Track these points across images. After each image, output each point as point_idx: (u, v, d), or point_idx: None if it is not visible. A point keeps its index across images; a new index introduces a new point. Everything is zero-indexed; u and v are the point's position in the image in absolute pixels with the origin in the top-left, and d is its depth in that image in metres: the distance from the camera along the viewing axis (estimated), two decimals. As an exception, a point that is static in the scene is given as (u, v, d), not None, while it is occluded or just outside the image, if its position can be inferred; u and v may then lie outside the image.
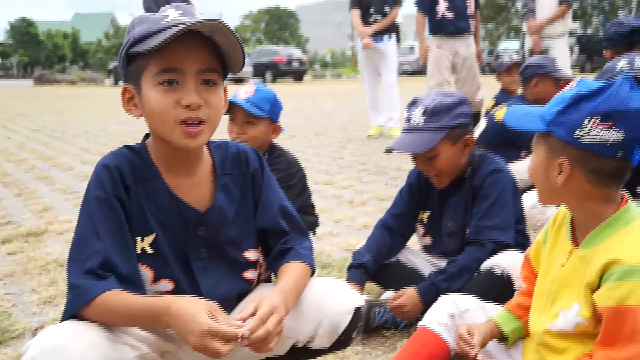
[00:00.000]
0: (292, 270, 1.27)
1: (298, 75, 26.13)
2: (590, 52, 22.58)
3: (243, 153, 1.33)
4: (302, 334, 1.26)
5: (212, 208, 1.25)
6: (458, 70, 5.30)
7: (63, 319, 1.13)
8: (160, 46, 1.07)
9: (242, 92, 2.24)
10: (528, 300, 1.46)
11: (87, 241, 1.14)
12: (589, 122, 1.15)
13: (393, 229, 2.09)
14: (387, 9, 6.23)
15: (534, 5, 5.43)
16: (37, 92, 20.81)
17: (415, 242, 2.21)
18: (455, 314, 1.56)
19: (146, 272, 1.20)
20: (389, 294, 2.04)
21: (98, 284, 1.10)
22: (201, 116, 1.14)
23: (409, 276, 1.97)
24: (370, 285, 2.24)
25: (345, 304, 1.27)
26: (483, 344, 1.43)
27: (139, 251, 1.20)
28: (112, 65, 27.96)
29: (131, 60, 1.15)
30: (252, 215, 1.32)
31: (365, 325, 1.85)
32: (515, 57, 4.63)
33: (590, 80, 1.21)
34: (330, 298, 1.27)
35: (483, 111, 5.29)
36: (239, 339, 1.06)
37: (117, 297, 1.10)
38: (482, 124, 3.87)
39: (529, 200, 2.47)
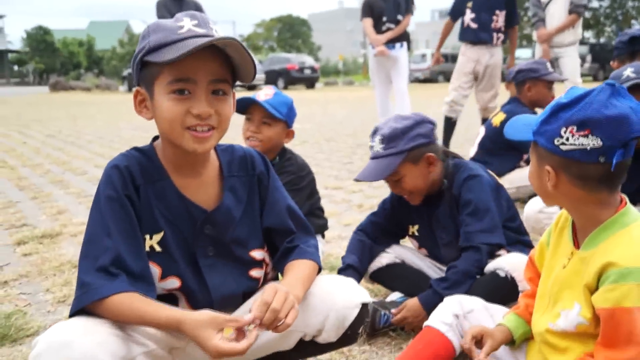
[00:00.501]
0: (297, 267, 1.31)
1: (310, 83, 26.21)
2: (602, 61, 22.46)
3: (249, 156, 1.37)
4: (310, 327, 1.28)
5: (220, 207, 1.29)
6: (480, 77, 5.38)
7: (71, 314, 1.16)
8: (177, 60, 1.10)
9: (261, 94, 2.31)
10: (534, 302, 1.48)
11: (98, 239, 1.17)
12: (566, 130, 1.19)
13: (369, 234, 2.15)
14: (399, 17, 6.27)
15: (544, 15, 5.43)
16: (52, 98, 21.07)
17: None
18: (460, 314, 1.59)
19: (154, 269, 1.24)
20: (394, 296, 2.07)
21: (110, 284, 1.13)
22: (211, 124, 1.19)
23: (415, 277, 1.99)
24: (376, 287, 2.27)
25: (352, 298, 1.30)
26: (493, 351, 1.44)
27: (147, 249, 1.23)
28: (126, 72, 28.25)
29: (145, 66, 1.19)
30: (258, 216, 1.36)
31: (371, 327, 1.87)
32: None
33: (579, 89, 1.24)
34: (337, 293, 1.30)
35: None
36: (255, 330, 1.09)
37: (129, 303, 1.13)
38: (481, 132, 3.89)
39: (536, 204, 2.48)
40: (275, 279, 1.44)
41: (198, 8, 5.29)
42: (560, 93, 1.37)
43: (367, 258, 2.11)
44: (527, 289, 1.57)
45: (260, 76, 23.09)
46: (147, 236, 1.23)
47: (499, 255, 1.89)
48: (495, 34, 5.26)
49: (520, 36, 29.48)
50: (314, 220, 2.51)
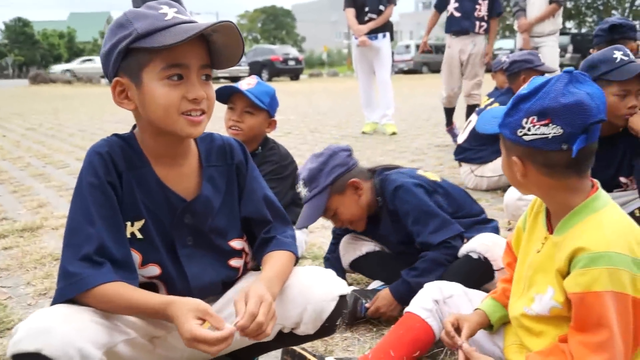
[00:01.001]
0: (275, 258, 1.32)
1: (294, 74, 26.11)
2: (584, 51, 22.59)
3: (228, 145, 1.37)
4: (288, 319, 1.29)
5: (199, 197, 1.29)
6: (464, 65, 5.52)
7: (53, 304, 1.15)
8: (179, 43, 1.11)
9: (244, 84, 2.31)
10: (511, 286, 1.50)
11: (81, 227, 1.17)
12: (527, 121, 1.22)
13: (334, 263, 2.21)
14: (381, 7, 6.27)
15: (524, 4, 5.49)
16: (32, 91, 20.76)
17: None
18: (439, 299, 1.61)
19: (134, 256, 1.23)
20: (376, 284, 2.08)
21: (97, 273, 1.13)
22: (203, 107, 1.20)
23: (394, 265, 2.01)
24: (359, 276, 2.29)
25: (330, 291, 1.31)
26: (471, 334, 1.46)
27: (128, 235, 1.23)
28: (107, 64, 27.84)
29: (129, 54, 1.17)
30: (237, 206, 1.36)
31: (352, 316, 1.89)
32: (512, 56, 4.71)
33: (539, 79, 1.26)
34: (315, 285, 1.31)
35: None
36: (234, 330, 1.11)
37: (117, 291, 1.14)
38: (473, 120, 3.92)
39: (515, 192, 2.51)
40: (256, 269, 1.45)
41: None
42: None
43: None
44: (502, 267, 1.60)
45: (244, 68, 22.94)
46: (129, 223, 1.23)
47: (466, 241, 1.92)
48: (477, 22, 5.36)
49: (503, 27, 29.62)
50: (297, 210, 2.51)
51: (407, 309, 1.63)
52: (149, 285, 1.26)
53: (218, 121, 2.83)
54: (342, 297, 1.32)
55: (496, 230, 2.03)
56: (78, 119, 9.85)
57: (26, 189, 4.22)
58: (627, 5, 33.36)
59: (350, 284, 2.22)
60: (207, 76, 1.22)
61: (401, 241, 2.03)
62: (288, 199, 2.43)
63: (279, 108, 2.45)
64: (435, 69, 30.07)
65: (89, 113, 10.97)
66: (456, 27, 5.42)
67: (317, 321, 1.29)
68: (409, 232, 1.97)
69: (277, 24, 60.63)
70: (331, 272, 1.37)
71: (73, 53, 51.63)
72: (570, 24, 33.74)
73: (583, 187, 1.28)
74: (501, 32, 29.99)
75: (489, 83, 5.07)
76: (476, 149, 3.81)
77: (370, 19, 6.27)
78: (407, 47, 30.93)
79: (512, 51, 5.37)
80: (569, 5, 32.65)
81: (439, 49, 32.93)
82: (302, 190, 2.01)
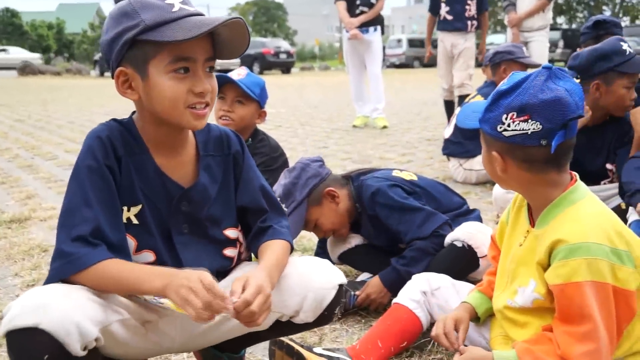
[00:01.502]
0: (273, 247, 1.32)
1: (286, 67, 26.04)
2: (574, 46, 22.69)
3: (225, 135, 1.37)
4: (288, 308, 1.30)
5: (196, 185, 1.29)
6: (456, 58, 5.65)
7: (47, 284, 1.14)
8: (192, 39, 1.11)
9: (234, 74, 2.30)
10: (494, 279, 1.52)
11: (77, 208, 1.16)
12: (507, 117, 1.23)
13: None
14: (373, 0, 6.27)
15: (515, -1, 5.52)
16: (21, 82, 20.55)
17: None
18: (427, 291, 1.62)
19: (130, 242, 1.23)
20: (364, 276, 2.10)
21: (93, 252, 1.13)
22: (208, 101, 1.21)
23: (383, 257, 2.02)
24: (347, 268, 2.30)
25: (329, 279, 1.31)
26: (467, 331, 1.47)
27: (124, 220, 1.22)
28: (97, 56, 27.66)
29: (135, 45, 1.16)
30: (233, 195, 1.36)
31: (341, 307, 1.90)
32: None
33: (519, 75, 1.27)
34: (315, 274, 1.32)
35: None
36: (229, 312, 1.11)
37: (116, 268, 1.13)
38: (458, 113, 3.94)
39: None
40: (249, 259, 1.45)
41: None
42: None
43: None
44: (486, 254, 1.62)
45: (235, 60, 22.80)
46: (125, 208, 1.23)
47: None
48: (469, 22, 5.58)
49: (494, 22, 29.68)
50: (286, 203, 2.52)
51: (395, 300, 1.65)
52: None
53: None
54: (341, 286, 1.33)
55: (479, 219, 2.05)
56: (67, 110, 9.77)
57: (14, 181, 4.19)
58: (618, 1, 33.52)
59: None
60: (211, 68, 1.23)
61: (383, 244, 2.05)
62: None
63: (270, 101, 2.45)
64: (426, 63, 30.19)
65: (77, 105, 10.89)
66: (449, 27, 5.64)
67: (317, 309, 1.30)
68: (390, 236, 1.99)
69: (268, 16, 60.34)
70: (328, 262, 1.37)
71: (62, 44, 51.14)
72: (561, 20, 33.86)
73: (562, 181, 1.30)
74: (492, 27, 30.07)
75: (480, 77, 5.08)
76: (463, 142, 3.83)
77: (362, 12, 6.27)
78: (399, 41, 30.91)
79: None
80: (560, 0, 32.76)
81: (430, 44, 32.96)
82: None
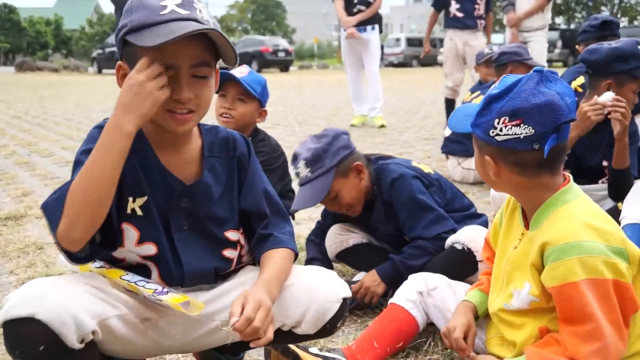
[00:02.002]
0: (274, 259, 1.30)
1: (284, 66, 26.02)
2: (573, 47, 22.70)
3: (231, 137, 1.36)
4: (289, 318, 1.28)
5: (198, 183, 1.28)
6: (468, 58, 5.67)
7: (53, 230, 1.11)
8: (157, 46, 1.09)
9: (236, 72, 2.29)
10: (492, 279, 1.51)
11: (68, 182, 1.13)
12: (499, 121, 1.22)
13: (318, 244, 2.20)
14: (370, -1, 6.26)
15: (514, -1, 5.52)
16: (18, 79, 20.50)
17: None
18: (423, 291, 1.62)
19: (133, 232, 1.22)
20: (361, 276, 2.09)
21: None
22: (190, 107, 1.18)
23: (381, 257, 2.01)
24: (344, 267, 2.29)
25: (334, 292, 1.29)
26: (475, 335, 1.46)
27: (129, 211, 1.22)
28: (95, 53, 27.60)
29: (127, 44, 1.16)
30: (237, 198, 1.35)
31: None
32: (496, 48, 4.70)
33: (510, 77, 1.26)
34: (320, 286, 1.29)
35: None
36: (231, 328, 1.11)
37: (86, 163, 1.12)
38: None
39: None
40: (254, 263, 1.43)
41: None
42: None
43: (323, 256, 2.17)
44: (485, 262, 1.61)
45: (233, 58, 22.79)
46: (130, 198, 1.22)
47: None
48: (478, 21, 5.64)
49: (494, 21, 29.73)
50: (285, 202, 2.50)
51: (391, 300, 1.64)
52: (141, 267, 1.25)
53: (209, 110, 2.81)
54: (345, 300, 1.30)
55: (485, 225, 2.04)
56: (64, 107, 9.75)
57: (10, 178, 4.18)
58: (617, 1, 33.56)
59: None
60: (203, 75, 1.18)
61: (390, 233, 2.03)
62: (276, 191, 2.43)
63: (269, 100, 2.44)
64: (425, 62, 30.18)
65: (75, 101, 10.86)
66: (458, 24, 5.66)
67: (319, 322, 1.28)
68: (397, 225, 1.97)
69: (267, 15, 60.24)
70: (334, 274, 1.35)
71: (60, 40, 51.03)
72: (559, 20, 33.90)
73: (555, 183, 1.30)
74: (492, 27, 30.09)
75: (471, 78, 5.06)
76: (463, 141, 3.83)
77: (359, 11, 6.26)
78: (398, 40, 30.93)
79: (494, 45, 5.48)
80: (558, 1, 32.79)
81: (430, 43, 32.95)
82: (301, 170, 1.95)
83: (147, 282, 1.22)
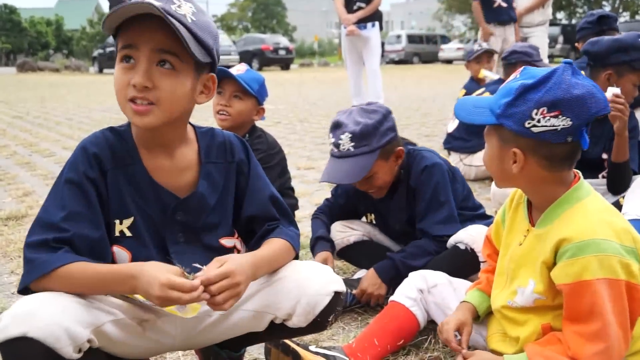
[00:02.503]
0: (272, 244, 1.29)
1: (285, 64, 26.00)
2: (574, 42, 22.71)
3: (229, 142, 1.33)
4: (280, 310, 1.27)
5: (193, 195, 1.27)
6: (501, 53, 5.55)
7: (20, 290, 1.13)
8: (106, 23, 1.10)
9: (233, 70, 2.29)
10: (492, 277, 1.50)
11: (47, 217, 1.14)
12: (537, 112, 1.19)
13: (329, 216, 2.16)
14: (370, -4, 6.24)
15: (515, -6, 5.49)
16: (20, 79, 20.53)
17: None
18: (424, 289, 1.61)
19: (124, 254, 1.22)
20: (361, 273, 2.09)
21: (55, 256, 1.11)
22: (149, 97, 1.13)
23: (382, 253, 2.00)
24: (345, 265, 2.29)
25: (326, 286, 1.28)
26: (470, 334, 1.45)
27: (117, 233, 1.21)
28: (96, 52, 27.62)
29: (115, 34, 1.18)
30: (232, 204, 1.34)
31: None
32: (485, 46, 4.71)
33: (534, 69, 1.24)
34: (312, 279, 1.28)
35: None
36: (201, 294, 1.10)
37: (79, 268, 1.11)
38: None
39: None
40: None
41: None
42: None
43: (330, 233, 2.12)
44: (487, 264, 1.60)
45: (234, 57, 22.79)
46: (117, 221, 1.21)
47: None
48: (514, 13, 5.48)
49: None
50: (284, 200, 2.51)
51: (391, 298, 1.64)
52: None
53: (207, 109, 2.81)
54: (337, 294, 1.29)
55: None
56: (65, 107, 9.75)
57: (12, 178, 4.18)
58: (618, -3, 33.41)
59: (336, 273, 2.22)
60: (168, 63, 1.13)
61: (402, 221, 2.00)
62: (275, 188, 2.43)
63: (269, 98, 2.44)
64: (425, 59, 30.16)
65: (76, 101, 10.86)
66: (505, 17, 5.46)
67: (310, 315, 1.26)
68: (413, 215, 1.95)
69: (267, 13, 60.20)
70: (329, 269, 1.34)
71: (61, 41, 51.05)
72: (560, 15, 33.79)
73: (569, 179, 1.29)
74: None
75: (465, 74, 4.99)
76: (465, 138, 3.82)
77: (359, 8, 6.24)
78: (398, 37, 30.87)
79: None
80: (560, -4, 32.66)
81: (430, 40, 32.96)
82: (344, 142, 1.86)
83: None
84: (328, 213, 2.18)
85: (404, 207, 1.99)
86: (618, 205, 2.18)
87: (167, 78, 1.15)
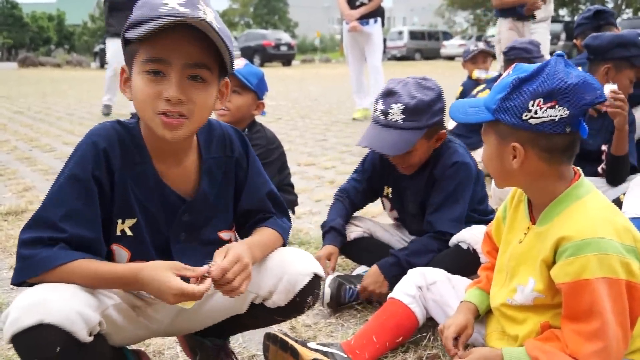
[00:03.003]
0: (264, 231, 1.34)
1: (286, 60, 25.98)
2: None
3: (228, 136, 1.34)
4: (262, 289, 1.31)
5: (198, 195, 1.28)
6: None
7: (14, 282, 1.13)
8: (144, 37, 1.06)
9: None
10: (492, 275, 1.50)
11: (47, 213, 1.13)
12: (534, 104, 1.19)
13: (350, 196, 2.14)
14: (373, -8, 6.23)
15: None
16: (21, 74, 20.51)
17: (387, 217, 2.26)
18: (423, 286, 1.61)
19: (123, 253, 1.23)
20: (361, 270, 2.08)
21: (55, 252, 1.10)
22: (182, 111, 1.13)
23: (382, 251, 2.00)
24: (345, 261, 2.29)
25: (307, 267, 1.33)
26: (469, 337, 1.45)
27: (118, 232, 1.21)
28: (97, 47, 27.59)
29: (127, 43, 1.15)
30: (231, 198, 1.35)
31: (337, 301, 1.89)
32: (482, 45, 4.71)
33: (526, 65, 1.24)
34: (294, 260, 1.34)
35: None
36: (211, 284, 1.13)
37: (80, 267, 1.11)
38: None
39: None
40: None
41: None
42: None
43: (345, 224, 2.10)
44: (487, 261, 1.59)
45: (235, 52, 22.70)
46: (119, 220, 1.21)
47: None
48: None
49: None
50: (284, 196, 2.50)
51: (390, 295, 1.63)
52: None
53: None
54: (317, 277, 1.33)
55: None
56: (66, 102, 9.75)
57: (12, 173, 4.18)
58: (621, -6, 33.28)
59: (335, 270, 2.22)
60: (200, 78, 1.13)
61: (418, 201, 1.99)
62: (274, 185, 2.42)
63: (270, 94, 2.43)
64: (427, 55, 30.06)
65: (77, 97, 10.86)
66: (522, 13, 5.34)
67: (290, 293, 1.30)
68: (425, 203, 1.95)
69: (269, 8, 60.05)
70: (310, 255, 1.38)
71: (62, 36, 51.01)
72: (563, 12, 33.68)
73: (569, 174, 1.28)
74: (494, 19, 29.84)
75: (466, 71, 4.96)
76: (466, 135, 3.81)
77: (362, 4, 6.23)
78: (400, 33, 30.78)
79: (485, 40, 5.33)
80: (562, -8, 32.55)
81: (432, 36, 32.87)
82: (393, 112, 1.82)
83: None
84: (353, 193, 2.13)
85: (422, 190, 1.97)
86: (618, 203, 2.17)
87: (200, 91, 1.15)
